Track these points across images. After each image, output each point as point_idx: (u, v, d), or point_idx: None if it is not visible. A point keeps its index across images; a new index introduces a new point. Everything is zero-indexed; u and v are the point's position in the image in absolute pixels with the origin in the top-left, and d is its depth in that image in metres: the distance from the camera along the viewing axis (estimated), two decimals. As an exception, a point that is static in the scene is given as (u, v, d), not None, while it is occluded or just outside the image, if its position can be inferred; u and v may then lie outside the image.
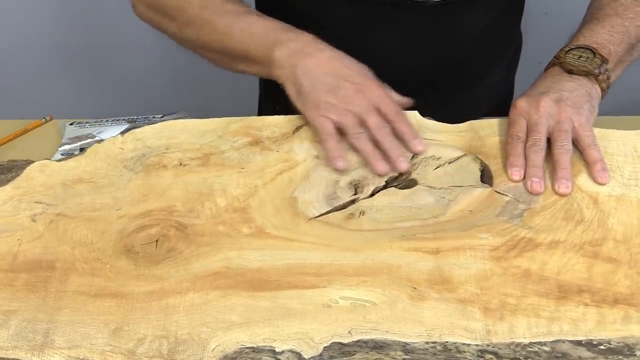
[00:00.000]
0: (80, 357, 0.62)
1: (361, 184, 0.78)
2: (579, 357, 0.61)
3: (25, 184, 0.79)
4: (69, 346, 0.63)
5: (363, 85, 0.80)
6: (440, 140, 0.82)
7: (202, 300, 0.66)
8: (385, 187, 0.77)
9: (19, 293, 0.67)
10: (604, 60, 0.81)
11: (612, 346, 0.61)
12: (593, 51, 0.81)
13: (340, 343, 0.62)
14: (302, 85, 0.81)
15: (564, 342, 0.62)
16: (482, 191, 0.76)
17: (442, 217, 0.73)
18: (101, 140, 0.85)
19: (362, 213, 0.74)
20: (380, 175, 0.77)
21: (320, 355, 0.61)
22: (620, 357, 0.61)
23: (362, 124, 0.79)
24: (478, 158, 0.80)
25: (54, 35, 1.67)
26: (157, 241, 0.72)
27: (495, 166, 0.79)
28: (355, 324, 0.63)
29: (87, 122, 0.93)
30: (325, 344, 0.62)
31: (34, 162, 0.82)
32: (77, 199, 0.77)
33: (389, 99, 0.81)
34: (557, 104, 0.78)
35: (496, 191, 0.76)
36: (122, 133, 0.84)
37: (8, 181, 0.79)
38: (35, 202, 0.76)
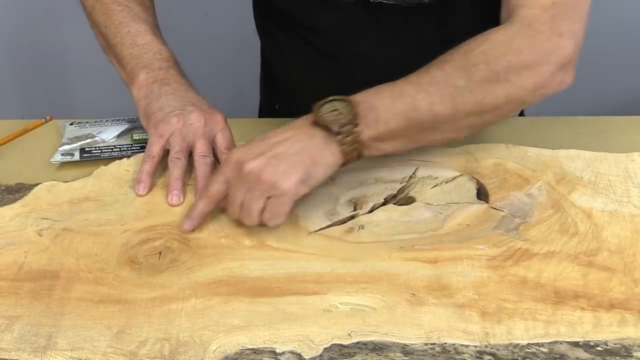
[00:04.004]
0: (82, 359, 0.62)
1: (360, 201, 0.79)
2: (577, 358, 0.61)
3: (33, 202, 0.80)
4: (71, 348, 0.63)
5: (208, 114, 0.84)
6: (436, 162, 0.84)
7: (204, 306, 0.67)
8: (384, 204, 0.79)
9: (23, 300, 0.68)
10: (354, 122, 0.72)
11: (609, 347, 0.62)
12: (350, 108, 0.73)
13: (340, 345, 0.63)
14: (150, 106, 0.84)
15: (561, 343, 0.62)
16: (479, 207, 0.78)
17: (439, 230, 0.75)
18: (102, 141, 0.88)
19: (362, 227, 0.76)
20: (172, 205, 0.79)
21: (320, 356, 0.62)
22: (618, 358, 0.61)
23: (190, 148, 0.82)
24: (474, 177, 0.82)
25: (54, 35, 1.71)
26: (160, 253, 0.73)
27: (490, 185, 0.81)
28: (355, 327, 0.64)
29: (87, 122, 0.93)
30: (325, 346, 0.63)
31: (41, 183, 0.84)
32: (82, 215, 0.78)
33: (227, 131, 0.84)
34: (264, 170, 0.71)
35: (492, 207, 0.78)
36: (124, 145, 0.87)
37: (16, 200, 0.81)
38: (42, 218, 0.78)
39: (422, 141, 0.77)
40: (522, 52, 0.74)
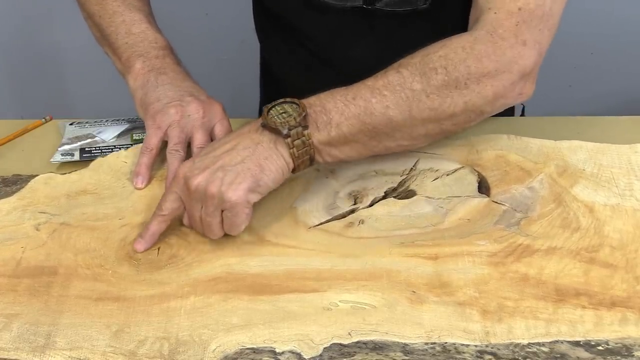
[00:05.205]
0: (82, 358, 0.62)
1: (360, 194, 0.79)
2: (578, 357, 0.61)
3: (30, 195, 0.80)
4: (70, 347, 0.63)
5: (206, 103, 0.82)
6: (438, 153, 0.83)
7: (203, 304, 0.66)
8: (384, 197, 0.78)
9: (22, 297, 0.68)
10: (303, 125, 0.70)
11: (610, 347, 0.62)
12: (299, 110, 0.71)
13: (340, 344, 0.62)
14: (147, 96, 0.83)
15: (562, 342, 0.62)
16: (480, 201, 0.77)
17: (440, 225, 0.74)
18: (102, 141, 0.87)
19: (362, 222, 0.75)
20: None
21: (320, 355, 0.62)
22: (619, 357, 0.61)
23: (189, 139, 0.81)
24: (475, 170, 0.81)
25: (54, 35, 1.70)
26: (159, 248, 0.73)
27: (492, 178, 0.80)
28: (355, 325, 0.64)
29: (87, 122, 0.92)
30: (325, 345, 0.62)
31: (38, 175, 0.83)
32: (80, 209, 0.78)
33: (226, 122, 0.83)
34: (210, 184, 0.69)
35: (493, 201, 0.77)
36: (124, 145, 0.86)
37: (13, 193, 0.80)
38: (39, 212, 0.77)
39: (377, 148, 0.74)
40: (483, 58, 0.72)
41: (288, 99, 0.73)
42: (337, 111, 0.71)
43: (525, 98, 0.76)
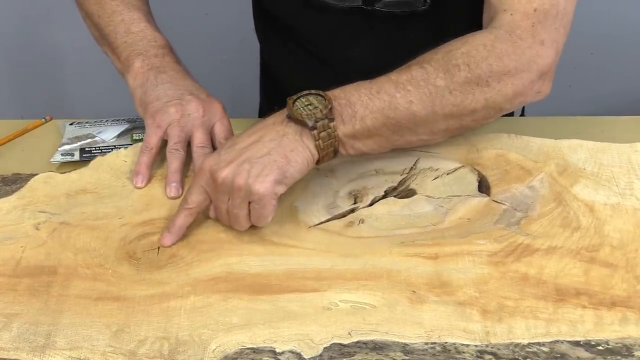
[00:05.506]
0: (82, 358, 0.62)
1: (360, 193, 0.79)
2: (578, 357, 0.61)
3: (30, 194, 0.80)
4: (70, 347, 0.63)
5: (206, 102, 0.82)
6: (437, 152, 0.83)
7: (203, 304, 0.66)
8: (384, 197, 0.78)
9: (22, 297, 0.68)
10: (329, 117, 0.70)
11: (610, 347, 0.62)
12: (325, 103, 0.71)
13: (340, 344, 0.62)
14: (147, 94, 0.83)
15: (562, 342, 0.62)
16: (480, 200, 0.77)
17: (440, 224, 0.74)
18: (102, 141, 0.88)
19: (362, 221, 0.75)
20: (170, 198, 0.78)
21: (320, 355, 0.62)
22: (619, 357, 0.61)
23: (188, 138, 0.81)
24: (475, 169, 0.81)
25: (54, 35, 1.71)
26: (158, 248, 0.73)
27: (492, 177, 0.80)
28: (355, 325, 0.64)
29: (87, 122, 0.92)
30: (325, 345, 0.62)
31: (37, 174, 0.83)
32: (80, 208, 0.78)
33: (226, 120, 0.83)
34: (236, 177, 0.69)
35: (494, 200, 0.77)
36: (124, 145, 0.86)
37: (12, 192, 0.80)
38: (39, 212, 0.77)
39: (398, 142, 0.75)
40: (503, 57, 0.73)
41: (313, 91, 0.73)
42: (361, 104, 0.72)
43: (542, 96, 0.77)
